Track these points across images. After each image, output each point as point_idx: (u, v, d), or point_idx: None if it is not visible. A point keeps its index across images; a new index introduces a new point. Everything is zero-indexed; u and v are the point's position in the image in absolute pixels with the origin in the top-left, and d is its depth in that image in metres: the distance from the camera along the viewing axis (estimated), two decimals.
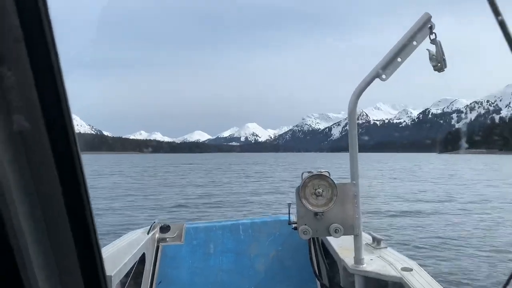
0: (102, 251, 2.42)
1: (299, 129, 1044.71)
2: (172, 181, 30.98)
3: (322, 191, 2.16)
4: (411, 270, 2.20)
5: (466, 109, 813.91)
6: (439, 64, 2.06)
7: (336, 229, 2.19)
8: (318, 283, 3.15)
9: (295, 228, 2.31)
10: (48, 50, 0.45)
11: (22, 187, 0.46)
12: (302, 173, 2.29)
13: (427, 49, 2.08)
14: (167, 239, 3.56)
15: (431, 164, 64.88)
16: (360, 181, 2.32)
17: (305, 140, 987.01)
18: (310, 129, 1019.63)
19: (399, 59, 2.14)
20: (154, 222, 3.62)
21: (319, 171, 2.23)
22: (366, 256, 2.39)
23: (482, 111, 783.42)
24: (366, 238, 2.74)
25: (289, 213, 2.71)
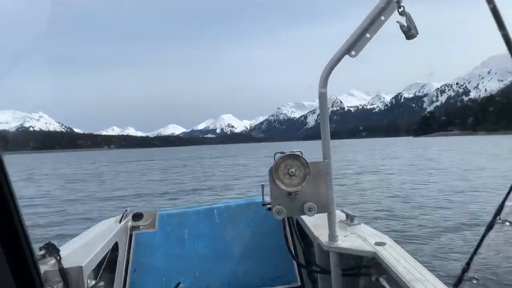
0: (72, 242, 2.78)
1: (275, 118, 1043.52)
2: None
3: (295, 170, 2.17)
4: (384, 244, 2.25)
5: (437, 92, 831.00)
6: (411, 31, 2.05)
7: (310, 208, 2.21)
8: (295, 262, 3.27)
9: (269, 209, 2.33)
10: None
11: None
12: (275, 154, 2.27)
13: (397, 21, 2.07)
14: (140, 226, 3.48)
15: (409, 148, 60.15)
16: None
17: (281, 129, 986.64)
18: (286, 118, 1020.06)
19: (367, 35, 2.13)
20: (126, 211, 3.55)
21: (291, 151, 2.21)
22: (340, 233, 2.41)
23: (452, 94, 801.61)
24: (340, 215, 2.76)
25: (262, 195, 2.72)
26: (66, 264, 2.14)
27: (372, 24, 2.11)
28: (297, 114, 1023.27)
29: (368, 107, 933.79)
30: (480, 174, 18.98)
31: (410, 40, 2.10)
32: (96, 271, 2.53)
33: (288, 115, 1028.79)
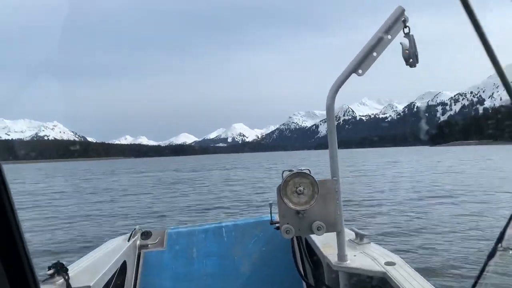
0: (81, 261, 2.82)
1: (286, 127, 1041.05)
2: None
3: (303, 189, 2.15)
4: (394, 264, 2.22)
5: (450, 101, 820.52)
6: (411, 60, 2.07)
7: (319, 227, 2.19)
8: (304, 282, 3.18)
9: (278, 228, 2.29)
10: None
11: None
12: (283, 172, 2.25)
13: (400, 43, 2.08)
14: (149, 245, 3.47)
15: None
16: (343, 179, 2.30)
17: (292, 138, 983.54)
18: (297, 127, 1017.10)
19: (374, 54, 2.13)
20: (135, 229, 3.51)
21: (299, 169, 2.20)
22: (349, 252, 2.38)
23: (466, 103, 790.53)
24: (349, 234, 2.76)
25: (271, 213, 2.70)
26: (74, 283, 2.15)
27: (379, 43, 2.11)
28: (308, 123, 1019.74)
29: (381, 116, 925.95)
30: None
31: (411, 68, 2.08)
32: None
33: (300, 124, 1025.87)
